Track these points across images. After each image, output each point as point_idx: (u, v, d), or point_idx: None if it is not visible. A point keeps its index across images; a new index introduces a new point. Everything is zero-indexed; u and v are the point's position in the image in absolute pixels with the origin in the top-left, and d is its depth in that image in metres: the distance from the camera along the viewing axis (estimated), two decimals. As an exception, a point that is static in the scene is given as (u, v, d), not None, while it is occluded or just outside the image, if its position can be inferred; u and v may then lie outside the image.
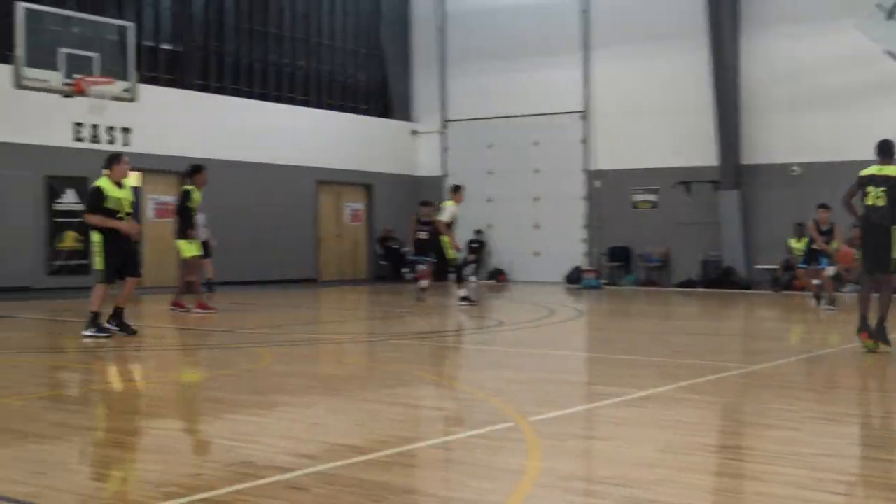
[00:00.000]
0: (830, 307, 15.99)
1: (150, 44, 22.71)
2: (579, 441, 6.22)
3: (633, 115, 24.99)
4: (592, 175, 25.76)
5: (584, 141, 25.89)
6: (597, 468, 5.53)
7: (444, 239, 17.40)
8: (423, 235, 22.14)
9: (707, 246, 23.89)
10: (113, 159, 11.78)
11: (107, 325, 11.68)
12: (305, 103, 26.10)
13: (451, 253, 17.47)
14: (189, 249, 15.27)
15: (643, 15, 24.91)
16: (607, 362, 10.42)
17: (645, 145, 24.78)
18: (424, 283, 17.98)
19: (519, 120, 26.60)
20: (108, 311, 11.78)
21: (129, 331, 11.81)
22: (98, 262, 11.58)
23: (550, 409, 7.10)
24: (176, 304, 15.51)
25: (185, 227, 15.23)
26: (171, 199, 22.51)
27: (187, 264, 15.51)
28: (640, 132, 24.86)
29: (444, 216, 17.55)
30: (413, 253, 22.42)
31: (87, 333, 11.53)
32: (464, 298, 17.19)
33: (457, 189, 17.88)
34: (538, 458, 5.50)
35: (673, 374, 8.90)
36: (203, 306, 15.33)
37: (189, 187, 15.29)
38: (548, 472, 5.22)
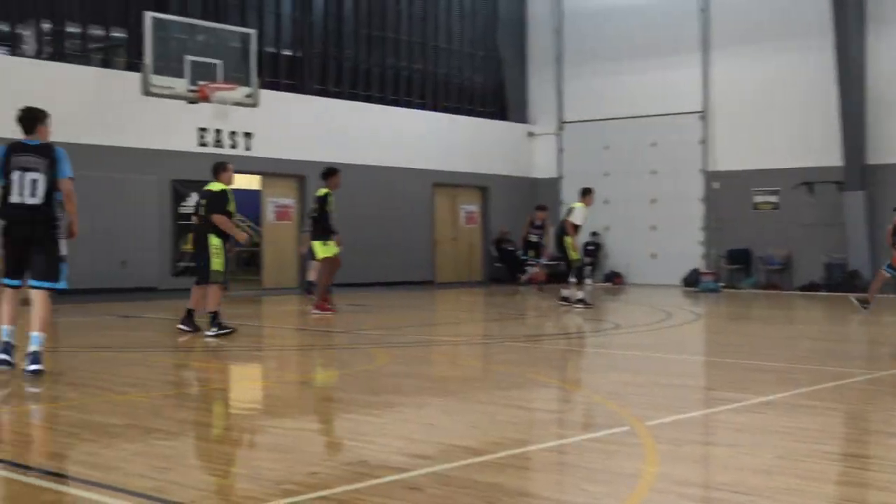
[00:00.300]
0: None
1: (271, 50, 23.17)
2: (697, 446, 6.13)
3: (753, 115, 24.49)
4: (711, 176, 25.34)
5: (703, 142, 25.47)
6: (714, 474, 5.44)
7: (569, 240, 17.32)
8: (533, 238, 22.12)
9: (831, 248, 23.25)
10: (220, 167, 12.41)
11: (224, 323, 12.04)
12: (422, 106, 26.29)
13: (573, 254, 17.39)
14: (325, 250, 15.53)
15: (764, 13, 24.38)
16: (726, 367, 10.23)
17: (766, 146, 24.26)
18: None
19: (636, 121, 26.32)
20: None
21: (196, 328, 12.36)
22: (217, 263, 12.03)
23: (667, 413, 7.02)
24: (319, 307, 15.67)
25: (326, 229, 15.47)
26: (290, 201, 22.98)
27: (323, 264, 15.75)
28: (761, 132, 24.35)
29: (576, 218, 17.42)
30: (523, 255, 22.46)
31: (210, 333, 11.90)
32: (580, 301, 17.10)
33: (588, 192, 17.77)
34: (654, 463, 5.43)
35: (794, 379, 8.70)
36: (322, 308, 15.61)
37: (325, 190, 15.55)
38: (664, 477, 5.16)
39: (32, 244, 8.53)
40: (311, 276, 20.15)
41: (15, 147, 8.59)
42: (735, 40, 24.83)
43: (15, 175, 8.45)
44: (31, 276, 8.58)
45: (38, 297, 8.54)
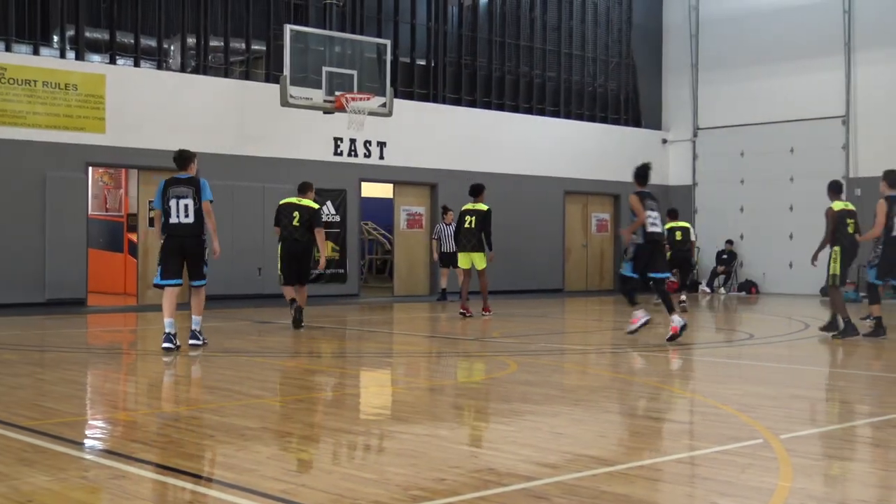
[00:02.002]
0: None
1: (406, 60, 23.44)
2: (834, 462, 5.94)
3: (899, 119, 23.69)
4: (853, 183, 24.54)
5: (845, 147, 24.72)
6: (852, 491, 5.26)
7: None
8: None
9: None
10: (310, 186, 14.43)
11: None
12: (555, 114, 26.21)
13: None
14: (484, 261, 16.83)
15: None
16: (866, 379, 9.90)
17: (912, 151, 23.41)
18: None
19: (773, 126, 25.72)
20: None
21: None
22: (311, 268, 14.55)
23: (803, 426, 6.83)
24: (485, 310, 17.09)
25: (489, 243, 16.82)
26: (421, 209, 23.19)
27: (483, 274, 17.03)
28: (907, 137, 23.52)
29: None
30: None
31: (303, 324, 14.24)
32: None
33: None
34: (789, 478, 5.29)
35: (940, 394, 8.36)
36: (488, 309, 17.09)
37: (488, 207, 16.89)
38: (799, 492, 5.02)
39: (186, 253, 11.19)
40: (443, 283, 20.75)
41: (171, 181, 11.27)
42: (880, 41, 24.06)
43: (172, 202, 11.13)
44: (190, 277, 11.30)
45: (195, 292, 11.40)
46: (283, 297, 14.65)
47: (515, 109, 25.39)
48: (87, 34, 19.12)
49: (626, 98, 28.10)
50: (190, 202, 11.12)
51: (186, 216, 11.13)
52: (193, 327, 11.46)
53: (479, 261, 16.80)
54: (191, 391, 8.93)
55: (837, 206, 13.79)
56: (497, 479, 5.23)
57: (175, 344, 11.05)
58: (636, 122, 28.10)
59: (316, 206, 14.31)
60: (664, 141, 28.18)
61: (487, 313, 16.93)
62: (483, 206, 16.77)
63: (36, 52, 18.35)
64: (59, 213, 17.97)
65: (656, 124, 28.35)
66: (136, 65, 19.57)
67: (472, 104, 24.50)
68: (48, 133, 17.88)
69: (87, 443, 6.39)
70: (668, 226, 19.64)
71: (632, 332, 13.13)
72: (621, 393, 8.80)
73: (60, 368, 10.03)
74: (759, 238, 26.11)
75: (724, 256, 26.29)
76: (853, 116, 24.62)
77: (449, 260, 20.83)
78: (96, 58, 19.23)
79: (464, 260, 16.97)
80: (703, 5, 27.58)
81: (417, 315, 17.72)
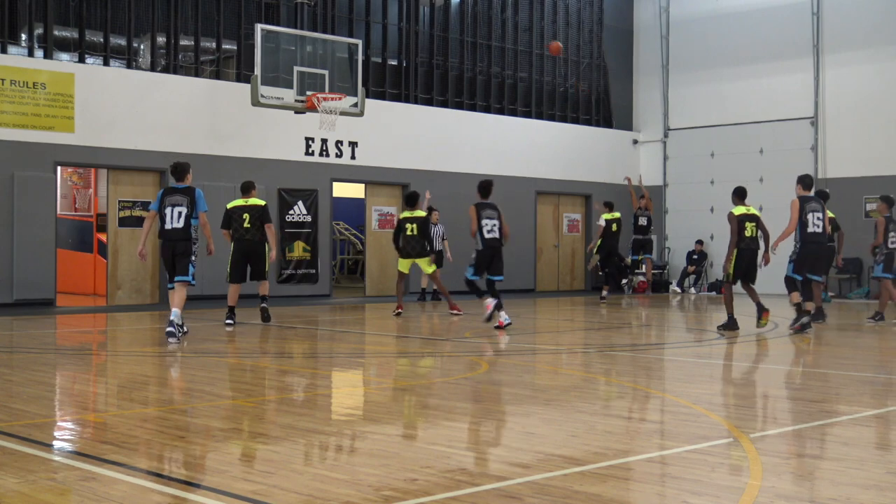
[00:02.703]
0: None
1: (377, 59, 23.41)
2: (803, 460, 5.99)
3: (867, 121, 23.87)
4: (821, 183, 24.73)
5: (814, 148, 24.92)
6: (821, 489, 5.30)
7: None
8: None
9: (948, 258, 22.47)
10: (253, 185, 15.09)
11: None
12: (527, 114, 26.26)
13: None
14: (430, 265, 17.63)
15: (878, 15, 23.77)
16: (835, 378, 9.97)
17: (879, 152, 23.62)
18: None
19: (743, 127, 25.89)
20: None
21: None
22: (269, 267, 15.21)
23: (772, 425, 6.87)
24: (452, 308, 17.48)
25: (433, 247, 17.90)
26: (393, 209, 23.16)
27: (437, 275, 17.84)
28: (876, 138, 23.72)
29: None
30: (633, 256, 22.36)
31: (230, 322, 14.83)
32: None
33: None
34: (759, 477, 5.32)
35: (907, 393, 8.44)
36: (457, 308, 17.37)
37: (425, 213, 17.69)
38: (769, 491, 5.05)
39: (175, 253, 12.37)
40: (424, 283, 20.93)
41: (168, 191, 12.59)
42: (848, 44, 24.26)
43: (167, 209, 12.40)
44: (175, 273, 12.43)
45: (177, 287, 12.40)
46: (253, 298, 14.62)
47: (487, 110, 25.42)
48: (56, 32, 18.97)
49: (597, 99, 28.19)
50: (184, 210, 12.36)
51: (179, 222, 12.35)
52: (171, 318, 12.15)
53: (425, 265, 17.55)
54: (161, 392, 8.88)
55: (738, 210, 15.05)
56: (469, 479, 5.24)
57: (178, 331, 12.14)
58: (607, 123, 28.19)
59: (263, 202, 14.98)
60: (635, 142, 28.30)
61: (457, 312, 17.10)
62: (421, 213, 17.54)
63: (4, 51, 18.18)
64: (28, 213, 17.81)
65: (627, 125, 28.46)
66: (106, 64, 19.44)
67: (444, 104, 24.50)
68: (16, 132, 17.72)
69: (57, 444, 6.34)
70: (605, 216, 21.83)
71: (488, 319, 14.82)
72: (593, 393, 8.82)
73: (29, 369, 9.95)
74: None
75: (695, 257, 26.41)
76: (822, 118, 24.82)
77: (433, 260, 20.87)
78: (65, 56, 19.08)
79: (405, 264, 17.53)
80: (674, 7, 27.73)
81: (389, 315, 17.69)
